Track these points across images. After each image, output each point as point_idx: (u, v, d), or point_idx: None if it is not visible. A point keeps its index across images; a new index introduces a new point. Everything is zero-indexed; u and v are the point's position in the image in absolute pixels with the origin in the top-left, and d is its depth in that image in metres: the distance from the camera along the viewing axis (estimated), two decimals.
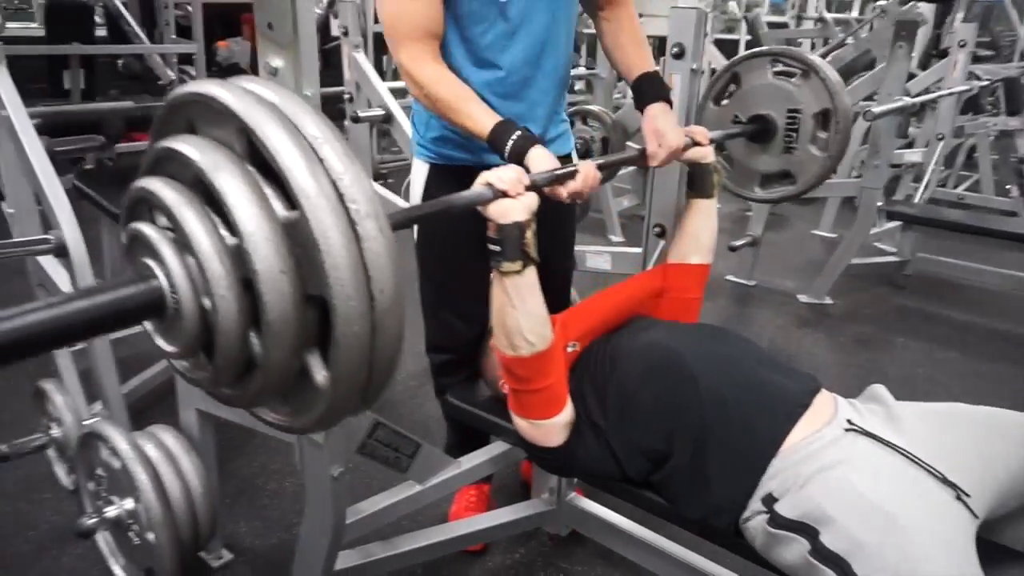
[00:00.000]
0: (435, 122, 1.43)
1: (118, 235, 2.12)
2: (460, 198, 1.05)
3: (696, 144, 1.47)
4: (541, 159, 1.23)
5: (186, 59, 4.54)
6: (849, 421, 1.11)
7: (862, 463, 1.05)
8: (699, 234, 1.50)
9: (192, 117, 0.67)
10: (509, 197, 1.07)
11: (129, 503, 1.43)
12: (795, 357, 2.82)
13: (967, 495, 1.02)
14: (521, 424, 1.26)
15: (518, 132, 1.25)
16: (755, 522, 1.09)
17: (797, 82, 1.72)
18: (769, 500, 1.07)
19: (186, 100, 0.66)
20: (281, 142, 0.59)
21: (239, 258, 0.59)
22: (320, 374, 0.64)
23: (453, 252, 1.51)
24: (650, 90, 1.47)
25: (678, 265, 1.49)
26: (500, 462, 1.59)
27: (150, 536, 1.39)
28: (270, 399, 0.71)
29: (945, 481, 1.02)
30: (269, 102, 0.63)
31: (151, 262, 0.62)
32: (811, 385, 1.20)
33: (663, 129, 1.40)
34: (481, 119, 1.27)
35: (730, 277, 3.61)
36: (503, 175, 1.08)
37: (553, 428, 1.24)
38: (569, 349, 1.30)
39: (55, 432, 1.68)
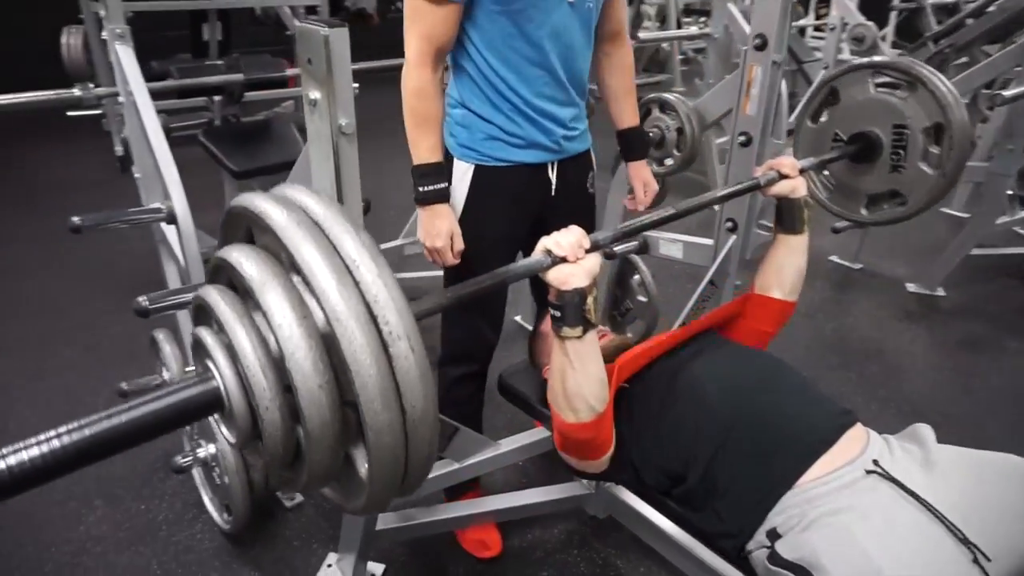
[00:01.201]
0: (482, 123, 1.48)
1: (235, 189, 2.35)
2: (517, 268, 1.04)
3: (783, 177, 1.40)
4: (440, 214, 1.44)
5: (312, 10, 4.74)
6: (875, 462, 1.09)
7: (873, 512, 1.03)
8: (782, 269, 1.44)
9: (249, 225, 0.74)
10: (568, 263, 1.06)
11: (212, 448, 1.66)
12: (887, 354, 2.68)
13: (987, 559, 0.97)
14: (566, 456, 1.30)
15: (440, 184, 1.44)
16: (757, 554, 1.11)
17: (903, 95, 1.57)
18: (773, 535, 1.08)
19: (240, 213, 0.72)
20: (317, 266, 0.63)
21: (282, 370, 0.64)
22: (362, 468, 0.70)
23: (488, 257, 1.56)
24: (637, 146, 1.77)
25: (759, 296, 1.47)
26: (537, 448, 1.68)
27: (226, 479, 1.61)
28: (322, 482, 0.76)
29: (964, 541, 0.98)
30: (311, 219, 0.68)
31: (211, 365, 0.68)
32: (840, 420, 1.17)
33: (648, 178, 1.79)
34: (424, 149, 1.43)
35: (834, 258, 3.43)
36: (562, 240, 1.06)
37: (601, 465, 1.29)
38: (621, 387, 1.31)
39: (165, 375, 1.94)
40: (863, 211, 1.67)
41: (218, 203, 3.50)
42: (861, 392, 2.44)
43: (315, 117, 1.07)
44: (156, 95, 2.02)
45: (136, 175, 2.15)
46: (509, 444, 1.64)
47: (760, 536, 1.11)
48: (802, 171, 1.44)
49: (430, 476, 1.55)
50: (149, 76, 2.06)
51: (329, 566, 1.71)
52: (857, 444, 1.13)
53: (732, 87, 1.81)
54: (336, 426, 0.66)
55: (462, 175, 1.53)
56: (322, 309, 0.63)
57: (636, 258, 2.28)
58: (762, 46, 1.71)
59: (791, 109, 4.96)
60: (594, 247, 1.10)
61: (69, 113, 2.76)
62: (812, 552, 1.01)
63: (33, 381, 2.43)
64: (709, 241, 2.12)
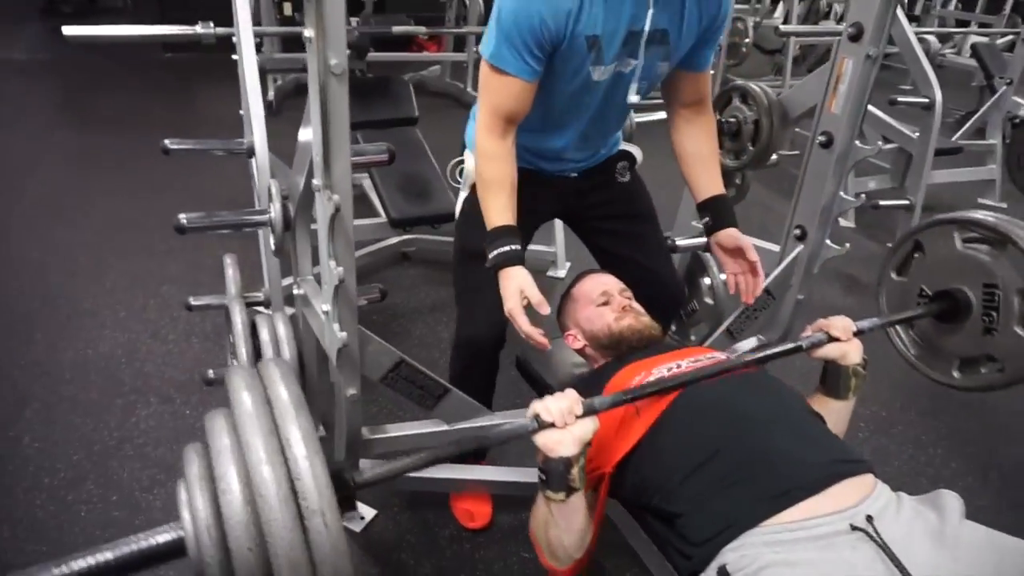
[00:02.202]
0: None
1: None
2: (500, 433, 1.04)
3: (833, 340, 1.27)
4: (514, 278, 1.33)
5: None
6: (868, 518, 0.97)
7: (836, 574, 0.92)
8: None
9: None
10: (557, 428, 1.03)
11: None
12: (988, 411, 2.34)
13: None
14: None
15: (507, 248, 1.35)
16: None
17: (993, 252, 1.36)
18: (723, 572, 1.00)
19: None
20: (254, 442, 0.74)
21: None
22: None
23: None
24: (728, 215, 1.53)
25: None
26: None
27: None
28: None
29: None
30: (269, 397, 0.80)
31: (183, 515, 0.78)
32: (836, 468, 1.06)
33: (747, 244, 1.50)
34: (493, 212, 1.38)
35: None
36: (551, 406, 1.03)
37: None
38: None
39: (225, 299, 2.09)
40: (955, 374, 1.46)
41: None
42: (944, 447, 2.16)
43: (311, 57, 1.09)
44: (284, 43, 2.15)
45: (240, 112, 2.32)
46: (508, 416, 1.62)
47: (711, 570, 1.02)
48: (859, 333, 1.30)
49: (417, 432, 1.60)
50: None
51: None
52: (853, 495, 1.02)
53: (820, 81, 1.64)
54: None
55: (472, 172, 1.53)
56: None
57: (708, 258, 2.15)
58: (856, 36, 1.54)
59: (959, 124, 4.49)
60: (587, 412, 1.06)
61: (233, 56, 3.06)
62: None
63: (133, 287, 2.72)
64: (774, 247, 1.96)
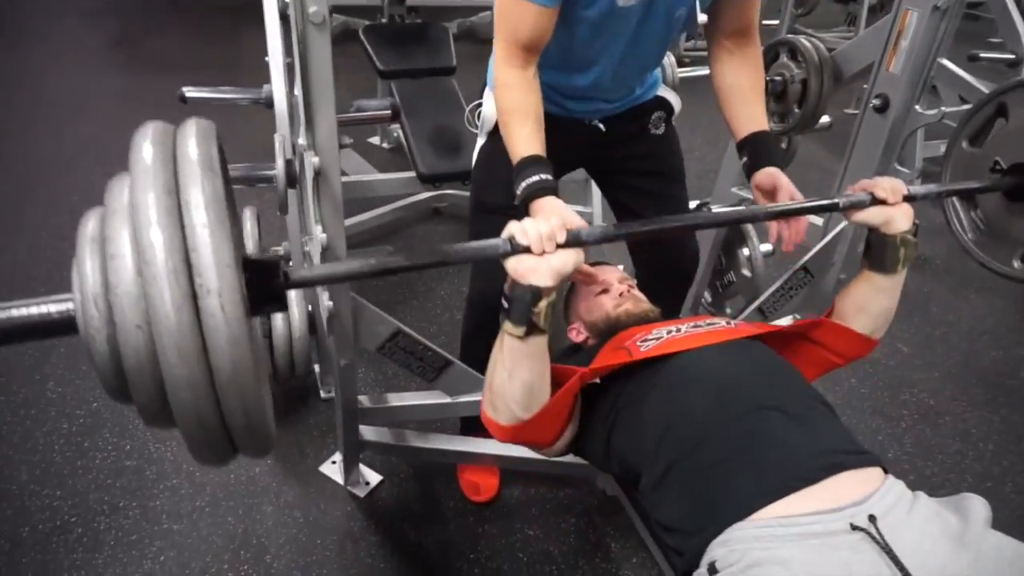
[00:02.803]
0: None
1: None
2: (466, 250, 0.92)
3: (878, 202, 1.11)
4: (547, 209, 1.14)
5: None
6: (871, 517, 0.87)
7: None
8: (864, 310, 1.21)
9: None
10: (532, 255, 0.93)
11: None
12: None
13: None
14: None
15: (538, 177, 1.17)
16: None
17: None
18: (712, 569, 0.91)
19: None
20: (146, 202, 0.61)
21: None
22: None
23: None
24: (766, 153, 1.32)
25: (834, 324, 1.23)
26: None
27: None
28: (158, 423, 0.72)
29: None
30: (181, 154, 0.66)
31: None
32: (838, 459, 0.95)
33: (786, 183, 1.26)
34: (519, 143, 1.22)
35: None
36: (529, 228, 0.93)
37: (551, 453, 1.19)
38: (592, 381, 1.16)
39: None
40: (1017, 264, 1.27)
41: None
42: (995, 442, 1.99)
43: (292, 4, 0.99)
44: None
45: (266, 58, 2.25)
46: None
47: (703, 567, 0.94)
48: (910, 199, 1.13)
49: (417, 403, 1.54)
50: None
51: (333, 462, 1.77)
52: (855, 490, 0.91)
53: (880, 35, 1.46)
54: (151, 372, 0.62)
55: (487, 118, 1.42)
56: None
57: (748, 228, 2.01)
58: None
59: None
60: (572, 243, 0.94)
61: None
62: None
63: None
64: (818, 220, 1.80)
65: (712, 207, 1.96)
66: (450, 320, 2.31)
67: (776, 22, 5.46)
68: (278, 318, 1.70)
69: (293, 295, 1.74)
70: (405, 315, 2.35)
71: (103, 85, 4.13)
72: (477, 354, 1.43)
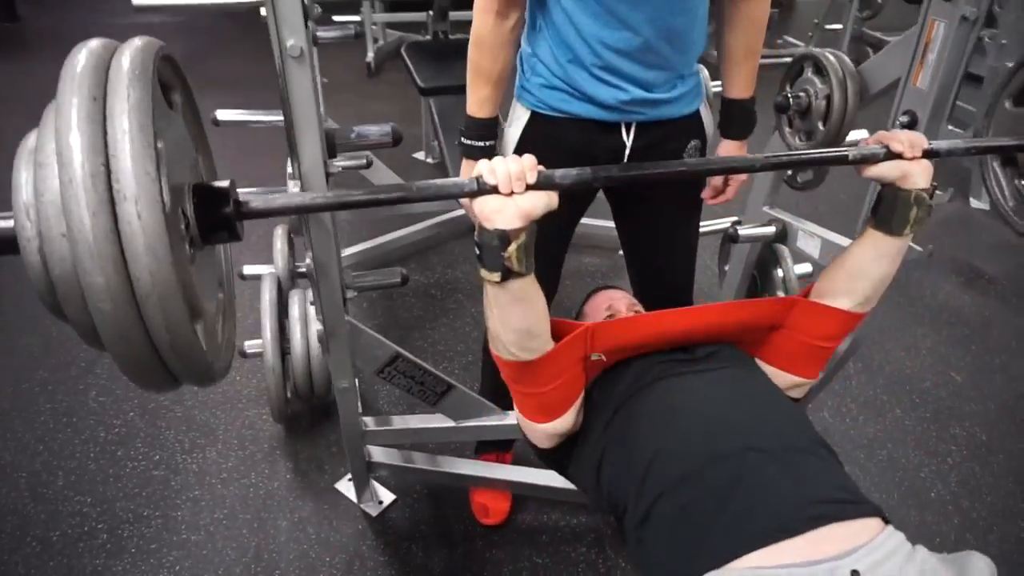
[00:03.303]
0: (543, 68, 1.29)
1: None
2: (430, 186, 0.88)
3: (893, 156, 1.03)
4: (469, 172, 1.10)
5: None
6: (854, 573, 0.81)
7: None
8: (860, 275, 1.11)
9: None
10: (499, 195, 0.88)
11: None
12: None
13: None
14: (516, 413, 1.20)
15: (483, 143, 1.27)
16: None
17: None
18: None
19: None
20: (69, 105, 0.60)
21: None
22: None
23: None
24: (737, 122, 1.40)
25: (811, 304, 1.15)
26: None
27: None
28: (92, 342, 0.73)
29: None
30: (116, 66, 0.66)
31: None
32: (825, 510, 0.89)
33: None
34: (475, 103, 1.28)
35: None
36: (498, 167, 0.88)
37: (539, 433, 1.17)
38: (593, 358, 1.14)
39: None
40: None
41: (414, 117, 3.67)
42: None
43: (272, 37, 1.01)
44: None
45: (324, 80, 2.32)
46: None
47: None
48: (932, 154, 1.04)
49: (421, 426, 1.54)
50: None
51: (349, 479, 1.78)
52: (843, 543, 0.85)
53: (906, 48, 1.37)
54: (76, 284, 0.61)
55: (517, 118, 1.37)
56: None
57: (783, 249, 1.94)
58: None
59: None
60: (543, 185, 0.90)
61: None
62: None
63: None
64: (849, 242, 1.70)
65: (742, 228, 1.89)
66: (478, 339, 2.31)
67: (839, 26, 5.25)
68: (296, 336, 1.74)
69: (312, 313, 1.77)
70: (434, 332, 2.36)
71: None
72: (494, 381, 1.43)
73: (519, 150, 1.37)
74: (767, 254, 2.00)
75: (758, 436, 0.99)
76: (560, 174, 0.92)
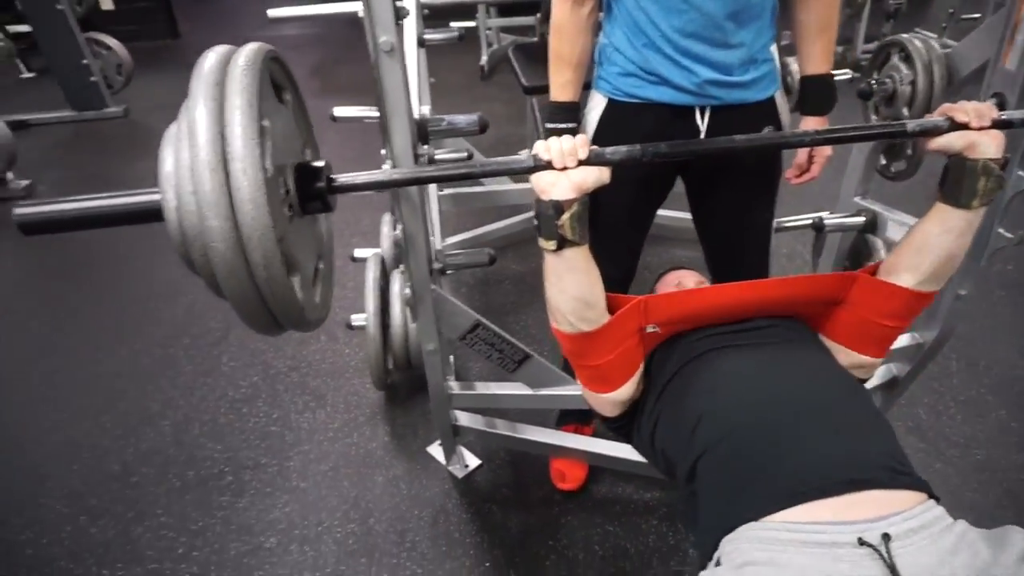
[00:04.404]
0: (619, 56, 1.38)
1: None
2: (493, 163, 1.00)
3: (958, 127, 1.03)
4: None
5: None
6: (885, 536, 0.84)
7: None
8: (926, 249, 1.10)
9: None
10: (554, 170, 0.98)
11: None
12: None
13: None
14: (580, 386, 1.27)
15: (565, 125, 1.37)
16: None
17: None
18: (718, 563, 0.94)
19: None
20: (196, 96, 0.77)
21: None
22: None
23: (611, 197, 1.48)
24: (817, 98, 1.45)
25: (873, 281, 1.14)
26: None
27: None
28: (216, 290, 0.87)
29: None
30: (233, 62, 0.82)
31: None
32: (863, 475, 0.92)
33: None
34: (557, 87, 1.38)
35: None
36: (552, 144, 0.98)
37: (602, 402, 1.23)
38: (649, 330, 1.19)
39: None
40: None
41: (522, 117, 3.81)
42: None
43: (367, 34, 1.17)
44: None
45: (431, 79, 2.51)
46: None
47: (713, 560, 0.97)
48: (1004, 124, 1.03)
49: (502, 392, 1.66)
50: None
51: (439, 444, 1.94)
52: (879, 509, 0.88)
53: (995, 31, 1.35)
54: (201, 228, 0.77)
55: (595, 106, 1.47)
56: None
57: (875, 240, 1.91)
58: None
59: None
60: (594, 159, 0.99)
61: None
62: None
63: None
64: None
65: (829, 217, 1.88)
66: None
67: (979, 15, 4.90)
68: (395, 311, 1.92)
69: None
70: (527, 317, 2.49)
71: (311, 106, 4.74)
72: None
73: (597, 137, 1.46)
74: (859, 244, 1.97)
75: (805, 402, 1.02)
76: (610, 151, 1.00)
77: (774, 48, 1.43)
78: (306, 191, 0.92)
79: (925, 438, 1.90)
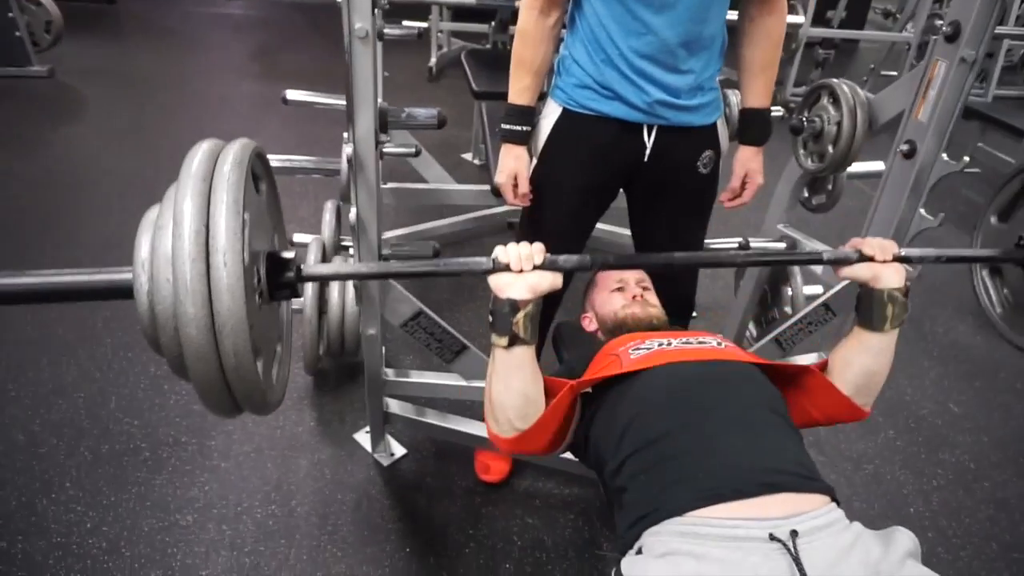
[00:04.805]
0: (578, 69, 1.45)
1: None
2: (454, 264, 1.07)
3: (865, 259, 1.16)
4: (514, 158, 1.47)
5: None
6: (793, 532, 0.93)
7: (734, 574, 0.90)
8: (850, 365, 1.19)
9: None
10: (511, 272, 1.06)
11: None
12: None
13: None
14: None
15: (520, 127, 1.46)
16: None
17: None
18: (638, 551, 1.01)
19: None
20: (185, 188, 0.80)
21: None
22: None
23: (558, 202, 1.56)
24: (755, 129, 1.57)
25: (823, 379, 1.20)
26: None
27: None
28: (180, 372, 0.89)
29: None
30: (222, 158, 0.85)
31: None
32: (778, 479, 1.00)
33: (755, 169, 1.57)
34: (515, 92, 1.45)
35: None
36: (510, 249, 1.07)
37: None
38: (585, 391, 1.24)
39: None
40: None
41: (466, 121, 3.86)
42: None
43: (343, 20, 1.20)
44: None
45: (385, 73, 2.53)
46: None
47: (634, 549, 1.03)
48: (903, 260, 1.17)
49: (435, 382, 1.70)
50: None
51: (366, 432, 1.95)
52: (788, 509, 0.97)
53: (912, 84, 1.50)
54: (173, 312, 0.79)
55: (549, 114, 1.53)
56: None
57: (794, 268, 2.05)
58: (953, 36, 1.40)
59: None
60: (548, 266, 1.08)
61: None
62: None
63: None
64: None
65: (752, 242, 2.01)
66: None
67: (895, 73, 5.32)
68: (333, 297, 1.93)
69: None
70: (461, 315, 2.53)
71: (241, 90, 4.64)
72: None
73: (550, 142, 1.54)
74: (778, 270, 2.12)
75: (730, 406, 1.11)
76: (563, 259, 1.09)
77: (717, 80, 1.54)
78: (276, 281, 0.95)
79: (823, 452, 2.06)
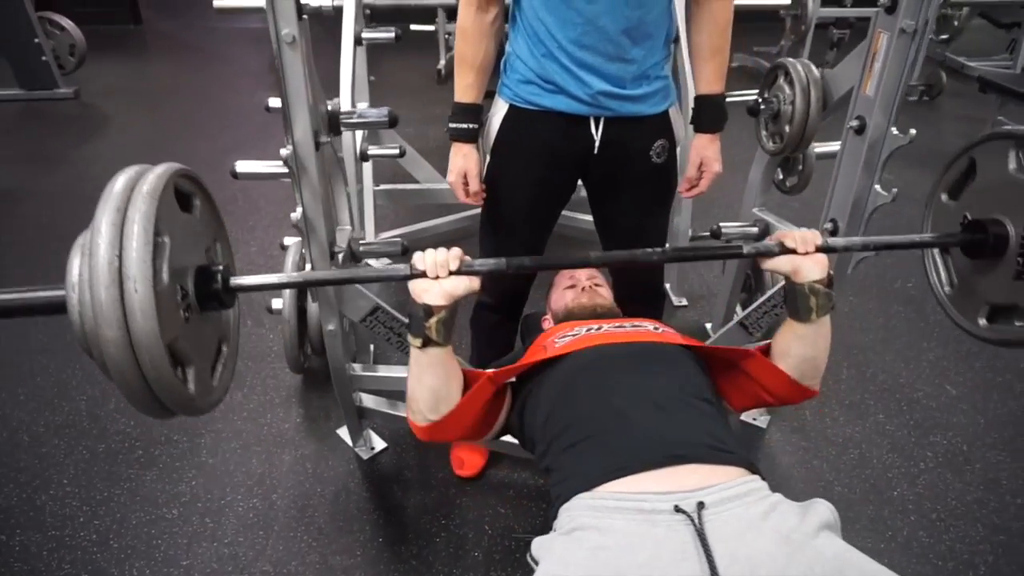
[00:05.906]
0: (521, 64, 1.46)
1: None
2: (375, 272, 1.13)
3: (788, 251, 1.15)
4: (460, 154, 1.51)
5: None
6: (700, 504, 0.94)
7: (638, 550, 0.90)
8: (789, 351, 1.21)
9: None
10: (427, 278, 1.09)
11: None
12: None
13: None
14: None
15: (466, 125, 1.48)
16: None
17: None
18: (552, 529, 1.04)
19: None
20: (100, 216, 0.84)
21: None
22: None
23: (511, 196, 1.58)
24: (708, 116, 1.55)
25: (764, 361, 1.23)
26: None
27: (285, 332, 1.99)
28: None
29: None
30: (137, 189, 0.89)
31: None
32: (684, 451, 1.03)
33: (709, 158, 1.56)
34: (460, 89, 1.47)
35: None
36: (427, 256, 1.10)
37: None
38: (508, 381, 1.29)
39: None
40: (982, 322, 1.21)
41: None
42: None
43: (270, 26, 1.24)
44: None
45: (371, 78, 2.59)
46: None
47: (553, 527, 1.06)
48: (826, 250, 1.17)
49: (404, 376, 1.73)
50: None
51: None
52: (697, 480, 0.98)
53: (860, 60, 1.48)
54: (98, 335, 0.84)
55: (497, 111, 1.56)
56: None
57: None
58: (892, 7, 1.38)
59: None
60: (464, 271, 1.10)
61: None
62: (543, 558, 0.96)
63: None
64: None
65: (725, 226, 1.99)
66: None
67: None
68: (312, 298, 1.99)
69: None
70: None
71: (254, 100, 4.78)
72: (479, 352, 1.73)
73: (499, 139, 1.56)
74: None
75: (644, 386, 1.14)
76: (479, 263, 1.12)
77: (668, 68, 1.54)
78: (204, 292, 0.99)
79: (807, 437, 2.03)
